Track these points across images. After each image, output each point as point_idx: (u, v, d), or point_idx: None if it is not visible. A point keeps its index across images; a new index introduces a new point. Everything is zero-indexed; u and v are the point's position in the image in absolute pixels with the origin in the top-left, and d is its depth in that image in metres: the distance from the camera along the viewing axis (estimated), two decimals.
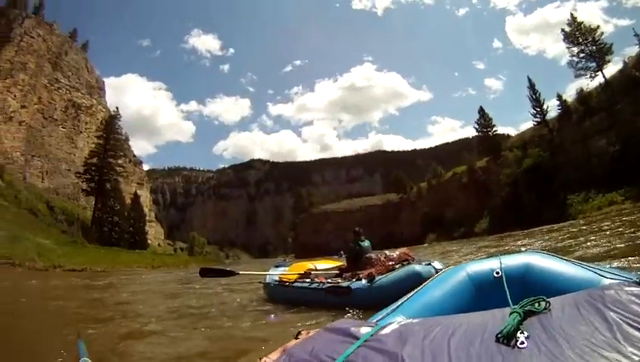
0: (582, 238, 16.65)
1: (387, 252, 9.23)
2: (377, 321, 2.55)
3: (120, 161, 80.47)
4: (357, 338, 1.91)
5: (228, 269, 9.37)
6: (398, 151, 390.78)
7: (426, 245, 60.03)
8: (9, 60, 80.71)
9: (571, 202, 50.72)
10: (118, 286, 21.18)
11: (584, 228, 24.18)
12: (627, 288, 1.80)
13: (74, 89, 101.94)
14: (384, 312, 2.88)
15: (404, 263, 8.43)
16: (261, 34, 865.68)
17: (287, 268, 11.70)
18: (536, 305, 1.82)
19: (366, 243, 10.07)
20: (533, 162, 60.90)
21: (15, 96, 79.96)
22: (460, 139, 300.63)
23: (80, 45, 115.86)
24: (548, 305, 1.81)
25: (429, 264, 8.19)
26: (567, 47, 63.72)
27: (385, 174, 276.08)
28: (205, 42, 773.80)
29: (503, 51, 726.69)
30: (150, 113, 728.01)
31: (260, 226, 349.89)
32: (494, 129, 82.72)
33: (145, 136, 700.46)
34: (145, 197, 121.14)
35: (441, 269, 7.03)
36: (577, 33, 62.14)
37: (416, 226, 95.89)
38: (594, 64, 59.75)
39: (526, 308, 1.80)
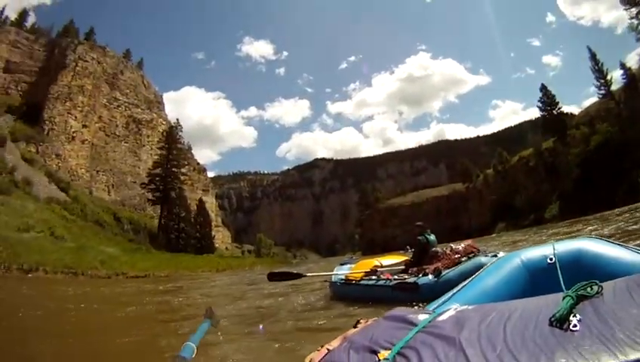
0: None
1: (452, 245, 9.24)
2: (434, 309, 2.54)
3: (183, 170, 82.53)
4: (415, 324, 1.94)
5: (294, 272, 9.35)
6: (461, 140, 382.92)
7: (494, 235, 57.83)
8: (67, 85, 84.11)
9: None
10: (184, 290, 21.42)
11: None
12: None
13: (133, 105, 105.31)
14: (441, 300, 2.94)
15: (470, 256, 8.39)
16: (312, 34, 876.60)
17: (352, 266, 11.69)
18: (589, 289, 1.79)
19: (432, 237, 9.93)
20: (602, 139, 58.06)
21: (76, 117, 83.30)
22: (523, 122, 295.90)
23: (135, 64, 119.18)
24: (600, 289, 1.77)
25: (495, 255, 7.94)
26: (625, 9, 60.46)
27: (449, 164, 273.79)
28: (258, 48, 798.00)
29: (556, 25, 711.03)
30: (211, 122, 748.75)
31: (327, 225, 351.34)
32: (559, 107, 78.98)
33: (208, 144, 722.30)
34: (210, 203, 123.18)
35: None
36: None
37: (485, 215, 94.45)
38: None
39: (579, 293, 1.77)
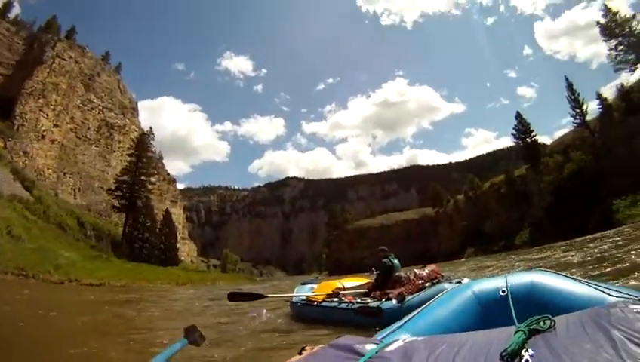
0: (626, 248, 15.68)
1: (416, 270, 8.90)
2: (382, 339, 2.47)
3: (152, 179, 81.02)
4: (361, 355, 1.82)
5: (256, 293, 9.20)
6: (433, 166, 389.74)
7: (463, 260, 58.18)
8: (41, 81, 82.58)
9: (617, 207, 48.23)
10: (140, 302, 20.35)
11: (630, 235, 22.78)
12: (632, 306, 1.79)
13: (107, 109, 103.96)
14: (389, 330, 2.87)
15: (434, 281, 8.20)
16: (292, 54, 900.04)
17: (314, 287, 11.62)
18: (542, 323, 1.80)
19: (396, 261, 9.87)
20: (576, 167, 58.38)
21: (47, 115, 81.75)
22: (496, 150, 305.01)
23: (113, 67, 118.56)
24: (553, 323, 1.80)
25: (459, 281, 7.59)
26: (604, 40, 62.78)
27: (421, 189, 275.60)
28: (238, 64, 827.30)
29: (533, 58, 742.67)
30: (186, 134, 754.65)
31: (295, 243, 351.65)
32: (533, 135, 78.38)
33: (181, 156, 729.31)
34: (178, 214, 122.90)
35: None
36: (613, 25, 60.91)
37: (454, 240, 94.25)
38: (633, 56, 58.62)
39: (531, 327, 1.78)
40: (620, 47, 59.97)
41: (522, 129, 78.65)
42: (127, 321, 12.79)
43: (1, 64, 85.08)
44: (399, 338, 2.15)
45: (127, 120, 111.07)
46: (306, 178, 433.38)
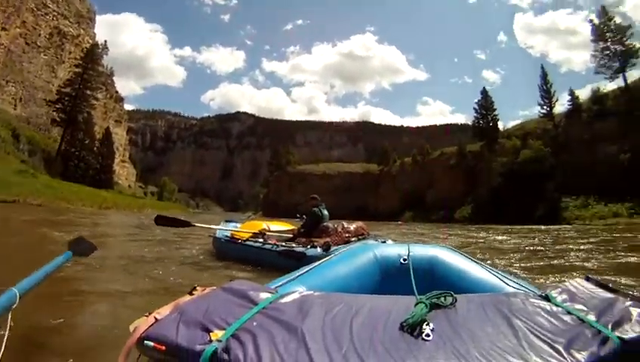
0: (567, 245, 15.69)
1: (344, 223, 9.14)
2: (277, 288, 2.40)
3: (98, 95, 78.14)
4: (255, 303, 1.89)
5: (183, 219, 9.23)
6: (386, 125, 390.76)
7: (400, 223, 56.14)
8: None
9: (566, 205, 49.36)
10: (52, 224, 18.99)
11: (575, 235, 22.74)
12: (533, 300, 1.92)
13: (62, 16, 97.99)
14: (285, 279, 2.77)
15: (360, 237, 8.50)
16: None
17: (238, 226, 11.41)
18: (443, 299, 1.87)
19: (325, 212, 9.85)
20: (533, 155, 58.59)
21: None
22: (450, 123, 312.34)
23: None
24: (454, 300, 1.88)
25: (384, 241, 7.07)
26: (592, 40, 62.89)
27: (369, 146, 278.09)
28: None
29: (506, 46, 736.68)
30: (143, 54, 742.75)
31: (236, 179, 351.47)
32: (495, 114, 79.09)
33: (134, 76, 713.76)
34: (121, 135, 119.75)
35: None
36: (606, 28, 60.90)
37: (395, 202, 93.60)
38: (617, 64, 58.88)
39: (432, 301, 1.84)
40: (607, 52, 60.19)
41: (485, 105, 78.58)
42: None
43: None
44: (295, 290, 2.18)
45: (81, 30, 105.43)
46: (257, 115, 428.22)
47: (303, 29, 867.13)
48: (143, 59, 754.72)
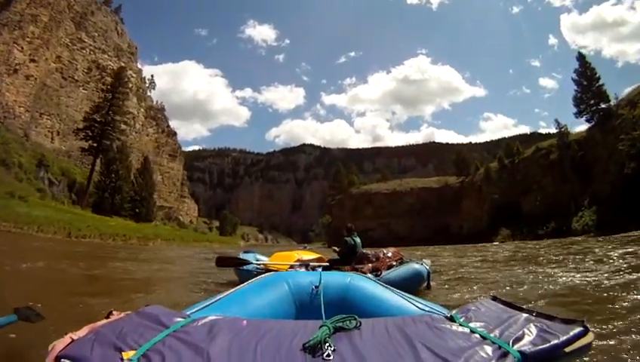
0: None
1: (384, 250, 9.47)
2: (190, 313, 2.48)
3: (149, 129, 75.44)
4: (167, 326, 1.99)
5: (241, 258, 8.19)
6: (452, 144, 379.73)
7: (496, 243, 47.06)
8: (19, 12, 76.80)
9: None
10: None
11: None
12: (437, 321, 2.10)
13: (99, 50, 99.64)
14: (199, 306, 2.80)
15: (398, 261, 8.93)
16: (316, 25, 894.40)
17: (257, 255, 12.31)
18: (347, 322, 2.00)
19: (357, 240, 10.10)
20: None
21: (22, 48, 76.00)
22: (516, 135, 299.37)
23: (112, 9, 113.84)
24: (359, 324, 2.01)
25: (422, 264, 8.66)
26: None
27: (439, 166, 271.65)
28: (261, 32, 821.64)
29: (558, 49, 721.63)
30: (205, 97, 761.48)
31: (306, 211, 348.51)
32: (600, 84, 60.68)
33: (199, 119, 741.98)
34: (177, 170, 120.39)
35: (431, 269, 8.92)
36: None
37: (482, 218, 79.07)
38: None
39: (337, 324, 1.97)
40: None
41: (586, 73, 61.95)
42: None
43: None
44: (207, 315, 2.24)
45: (121, 63, 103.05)
46: (322, 146, 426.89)
47: (356, 60, 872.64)
48: (206, 102, 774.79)
